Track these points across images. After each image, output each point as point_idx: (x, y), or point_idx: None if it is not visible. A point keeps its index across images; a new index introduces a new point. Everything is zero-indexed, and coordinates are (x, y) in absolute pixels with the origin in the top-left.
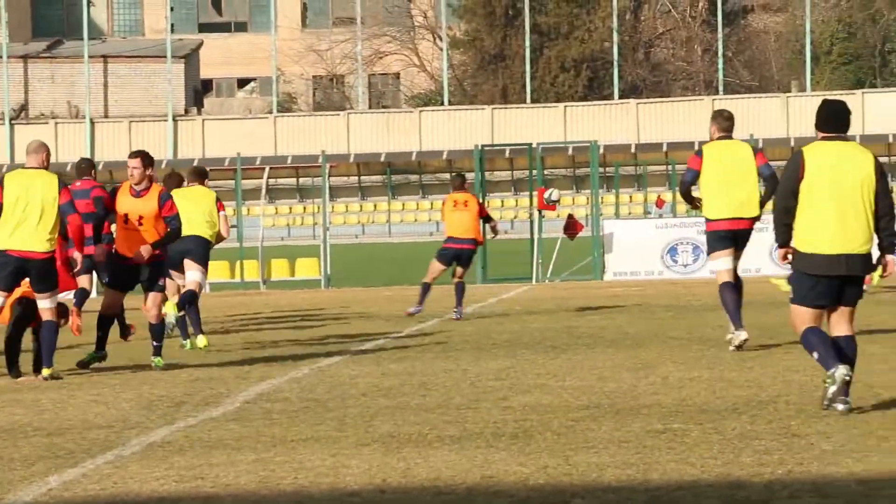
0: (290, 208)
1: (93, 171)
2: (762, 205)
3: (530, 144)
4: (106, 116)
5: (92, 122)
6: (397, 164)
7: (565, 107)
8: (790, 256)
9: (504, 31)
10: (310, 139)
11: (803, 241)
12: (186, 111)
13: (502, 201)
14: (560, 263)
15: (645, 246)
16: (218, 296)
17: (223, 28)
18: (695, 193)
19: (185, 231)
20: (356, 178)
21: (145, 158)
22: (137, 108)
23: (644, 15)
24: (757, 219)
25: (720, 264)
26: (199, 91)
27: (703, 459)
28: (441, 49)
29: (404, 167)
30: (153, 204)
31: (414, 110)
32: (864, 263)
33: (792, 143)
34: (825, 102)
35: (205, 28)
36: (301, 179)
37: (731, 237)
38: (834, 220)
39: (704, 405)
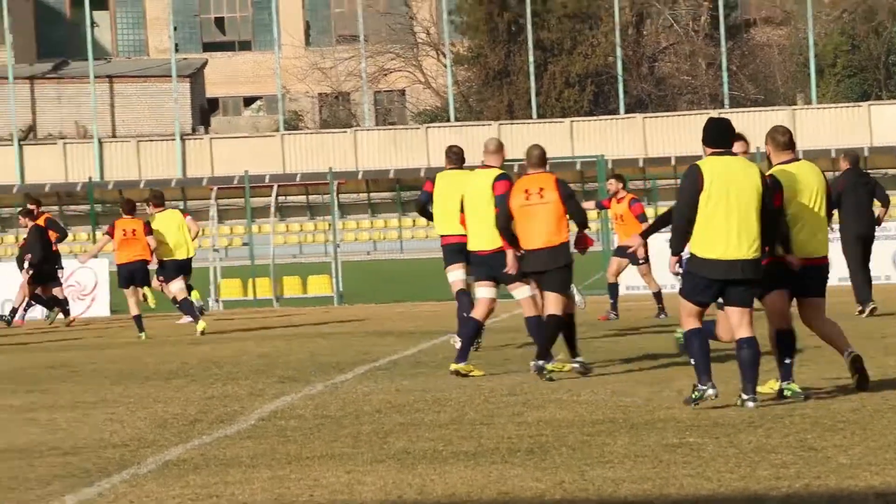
0: (301, 226)
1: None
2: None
3: None
4: (114, 136)
5: (100, 142)
6: (406, 180)
7: (571, 122)
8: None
9: (507, 46)
10: (317, 156)
11: (701, 247)
12: (194, 130)
13: None
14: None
15: (657, 260)
16: (231, 313)
17: (227, 47)
18: None
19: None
20: (365, 194)
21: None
22: (145, 128)
23: (647, 29)
24: None
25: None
26: (205, 110)
27: (720, 473)
28: (445, 66)
29: (413, 183)
30: None
31: (421, 126)
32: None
33: (801, 156)
34: (711, 120)
35: (209, 47)
36: (310, 197)
37: None
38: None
39: (720, 419)
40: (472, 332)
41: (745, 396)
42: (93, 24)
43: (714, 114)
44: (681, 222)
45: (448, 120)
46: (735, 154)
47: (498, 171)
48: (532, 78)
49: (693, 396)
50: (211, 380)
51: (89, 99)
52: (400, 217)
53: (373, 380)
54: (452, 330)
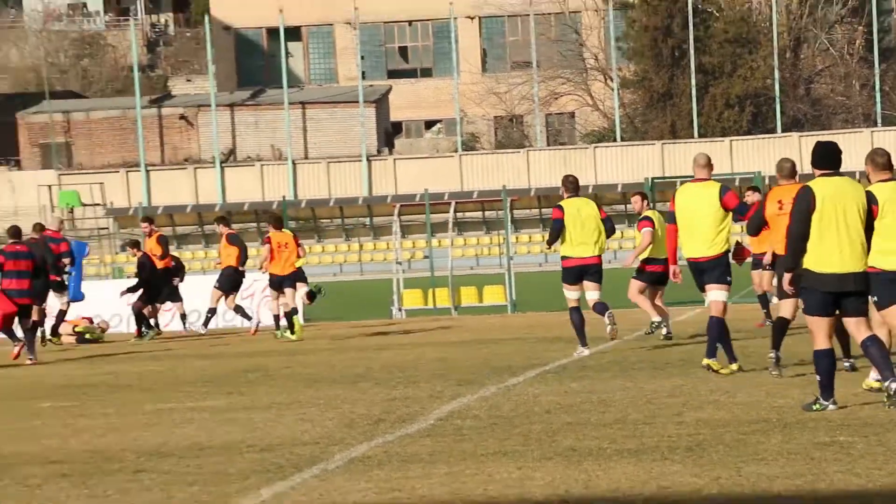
0: (478, 239)
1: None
2: None
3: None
4: (306, 158)
5: (293, 163)
6: None
7: (731, 141)
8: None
9: (671, 71)
10: (492, 175)
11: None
12: (379, 151)
13: None
14: (731, 288)
15: None
16: (412, 321)
17: (410, 74)
18: None
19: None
20: (537, 210)
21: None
22: (334, 150)
23: (804, 53)
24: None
25: None
26: (389, 133)
27: (869, 470)
28: (612, 89)
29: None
30: None
31: (589, 146)
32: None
33: None
34: (819, 144)
35: (393, 74)
36: (486, 213)
37: None
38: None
39: (869, 419)
40: (717, 332)
41: (887, 384)
42: (287, 54)
43: (866, 132)
44: (795, 240)
45: (614, 140)
46: (841, 174)
47: (719, 184)
48: (694, 100)
49: (814, 407)
50: (393, 383)
51: (284, 124)
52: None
53: (543, 382)
54: (619, 337)
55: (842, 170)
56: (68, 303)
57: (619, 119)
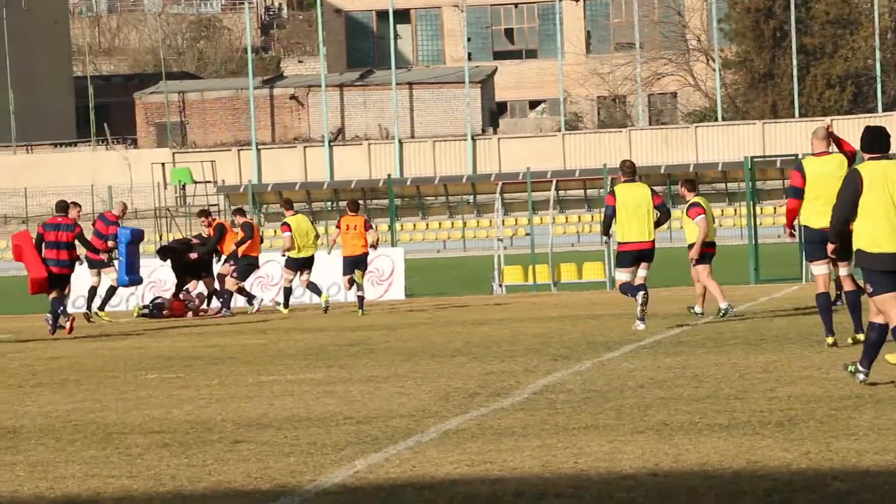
0: (579, 217)
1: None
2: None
3: (796, 155)
4: (412, 137)
5: (400, 143)
6: (675, 174)
7: (831, 120)
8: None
9: (772, 51)
10: (594, 154)
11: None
12: (483, 131)
13: (774, 208)
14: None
15: None
16: (512, 297)
17: (515, 55)
18: None
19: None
20: None
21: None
22: (440, 129)
23: None
24: None
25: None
26: (494, 112)
27: None
28: (714, 70)
29: (682, 177)
30: None
31: (690, 126)
32: None
33: None
34: (867, 129)
35: (499, 55)
36: (588, 191)
37: None
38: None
39: None
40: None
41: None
42: (396, 36)
43: None
44: (839, 222)
45: (716, 120)
46: (890, 157)
47: (844, 157)
48: (795, 80)
49: (850, 370)
50: (490, 357)
51: (391, 104)
52: (670, 209)
53: (637, 357)
54: (713, 313)
55: None
56: (117, 283)
57: (721, 99)
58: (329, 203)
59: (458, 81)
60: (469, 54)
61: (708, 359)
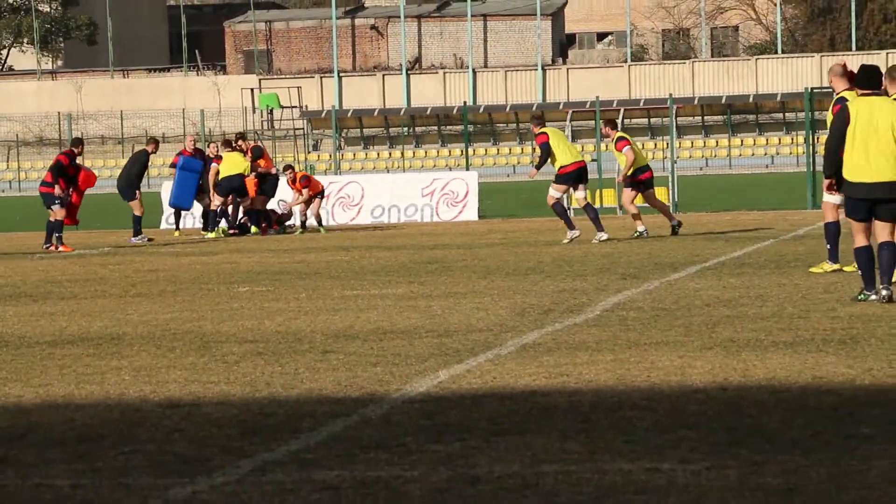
0: (643, 144)
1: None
2: None
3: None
4: (485, 66)
5: (474, 72)
6: (736, 105)
7: (887, 53)
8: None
9: None
10: (659, 85)
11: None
12: (553, 61)
13: None
14: None
15: None
16: (580, 220)
17: None
18: None
19: None
20: (699, 118)
21: None
22: (511, 59)
23: None
24: None
25: None
26: (563, 44)
27: None
28: (775, 4)
29: (742, 108)
30: None
31: (751, 58)
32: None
33: None
34: (862, 67)
35: None
36: (652, 120)
37: None
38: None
39: None
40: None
41: (886, 290)
42: None
43: None
44: (831, 151)
45: (775, 52)
46: (881, 94)
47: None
48: (853, 14)
49: (859, 298)
50: (562, 276)
51: (466, 35)
52: (730, 137)
53: (703, 277)
54: (775, 237)
55: None
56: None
57: (781, 32)
58: (405, 129)
59: (530, 13)
60: None
61: (771, 279)
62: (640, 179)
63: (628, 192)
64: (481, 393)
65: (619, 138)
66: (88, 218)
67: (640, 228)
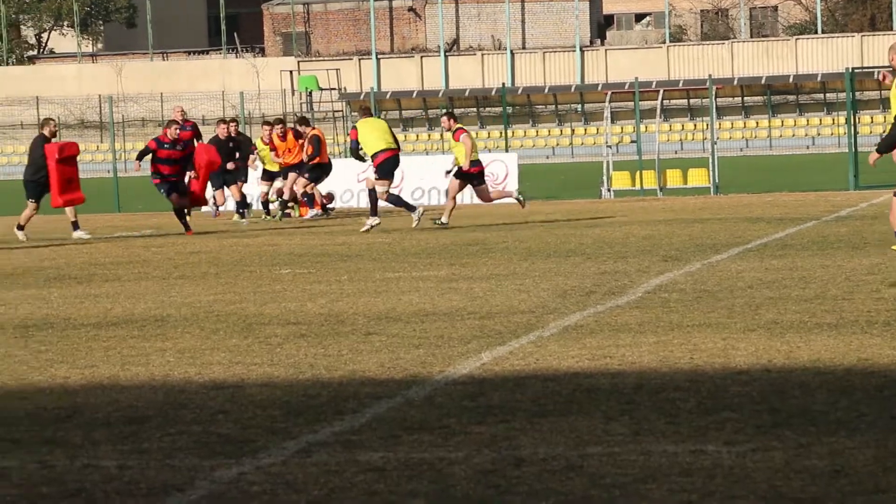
0: (682, 125)
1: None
2: None
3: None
4: (523, 48)
5: (512, 53)
6: (776, 85)
7: None
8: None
9: None
10: (698, 65)
11: None
12: (591, 42)
13: (871, 118)
14: None
15: None
16: (620, 201)
17: None
18: None
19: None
20: (739, 98)
21: None
22: (549, 41)
23: None
24: None
25: None
26: (602, 25)
27: None
28: None
29: (782, 88)
30: None
31: (790, 38)
32: None
33: None
34: None
35: None
36: (691, 100)
37: None
38: None
39: None
40: None
41: None
42: None
43: None
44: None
45: (815, 32)
46: None
47: None
48: None
49: None
50: (603, 257)
51: (504, 16)
52: (770, 118)
53: (745, 259)
54: (817, 218)
55: None
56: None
57: (821, 12)
58: (444, 110)
59: None
60: None
61: (814, 261)
62: (472, 172)
63: (455, 183)
64: (524, 375)
65: (457, 129)
66: (130, 200)
67: (444, 219)
